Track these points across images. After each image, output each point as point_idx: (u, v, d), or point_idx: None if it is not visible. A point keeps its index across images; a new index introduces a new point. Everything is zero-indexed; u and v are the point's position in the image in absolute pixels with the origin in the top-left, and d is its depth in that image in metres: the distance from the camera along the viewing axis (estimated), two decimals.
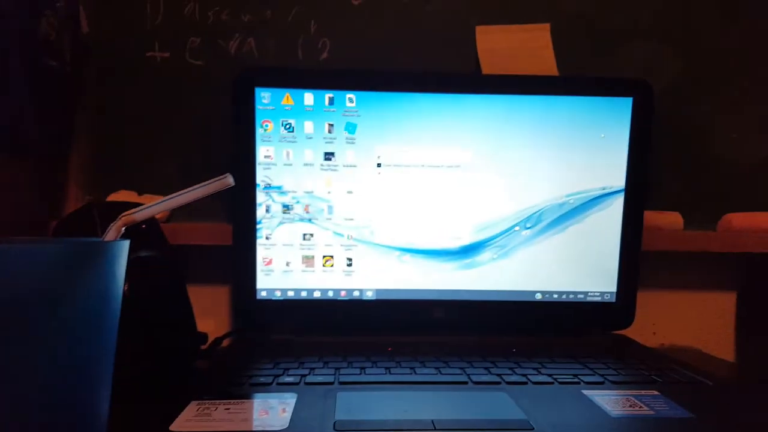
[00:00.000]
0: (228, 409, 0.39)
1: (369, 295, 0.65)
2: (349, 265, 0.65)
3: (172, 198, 0.32)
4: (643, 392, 0.44)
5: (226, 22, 0.72)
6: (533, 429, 0.36)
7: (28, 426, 0.27)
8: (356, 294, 0.66)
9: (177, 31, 0.71)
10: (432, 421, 0.37)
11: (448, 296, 0.65)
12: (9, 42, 0.55)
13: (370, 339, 0.62)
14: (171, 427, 0.35)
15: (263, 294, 0.65)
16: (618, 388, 0.46)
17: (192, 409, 0.38)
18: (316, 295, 0.65)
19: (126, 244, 0.31)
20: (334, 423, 0.37)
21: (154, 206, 0.31)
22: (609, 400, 0.42)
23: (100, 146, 0.72)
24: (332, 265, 0.65)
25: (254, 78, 0.64)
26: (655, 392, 0.44)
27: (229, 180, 0.32)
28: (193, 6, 0.71)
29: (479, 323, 0.66)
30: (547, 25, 0.71)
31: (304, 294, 0.65)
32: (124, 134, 0.72)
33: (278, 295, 0.65)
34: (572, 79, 0.66)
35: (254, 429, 0.35)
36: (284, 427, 0.36)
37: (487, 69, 0.70)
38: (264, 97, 0.64)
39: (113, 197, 0.69)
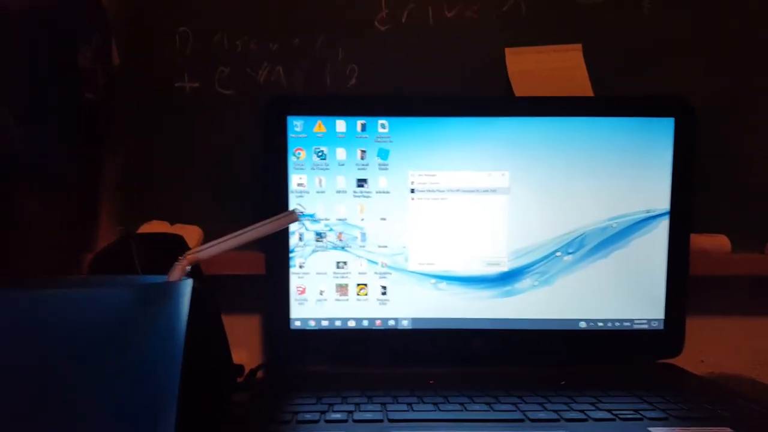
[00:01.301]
0: None
1: (405, 324, 0.64)
2: (384, 293, 0.63)
3: (237, 236, 0.30)
4: (715, 429, 0.42)
5: (255, 51, 0.71)
6: None
7: None
8: (391, 323, 0.64)
9: (206, 61, 0.70)
10: None
11: (488, 325, 0.63)
12: (50, 74, 0.54)
13: (407, 370, 0.60)
14: None
15: (297, 324, 0.63)
16: (685, 424, 0.43)
17: None
18: (351, 324, 0.64)
19: (189, 282, 0.30)
20: None
21: (219, 244, 0.30)
22: None
23: (130, 177, 0.71)
24: (366, 294, 0.63)
25: (286, 106, 0.63)
26: (729, 429, 0.42)
27: (295, 216, 0.31)
28: (221, 36, 0.71)
29: (520, 353, 0.63)
30: (579, 46, 0.70)
31: (338, 323, 0.64)
32: (155, 164, 0.71)
33: (312, 324, 0.63)
34: (611, 99, 0.64)
35: None
36: None
37: (518, 91, 0.69)
38: (296, 125, 0.63)
39: (145, 228, 0.67)
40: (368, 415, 0.45)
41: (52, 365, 0.24)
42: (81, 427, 0.25)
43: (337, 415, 0.45)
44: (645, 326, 0.63)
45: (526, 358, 0.63)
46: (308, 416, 0.44)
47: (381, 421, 0.44)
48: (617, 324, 0.63)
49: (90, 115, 0.64)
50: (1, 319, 0.24)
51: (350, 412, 0.46)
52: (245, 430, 0.40)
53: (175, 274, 0.29)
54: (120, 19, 0.69)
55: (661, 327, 0.63)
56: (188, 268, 0.30)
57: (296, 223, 0.63)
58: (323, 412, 0.46)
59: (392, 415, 0.45)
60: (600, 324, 0.63)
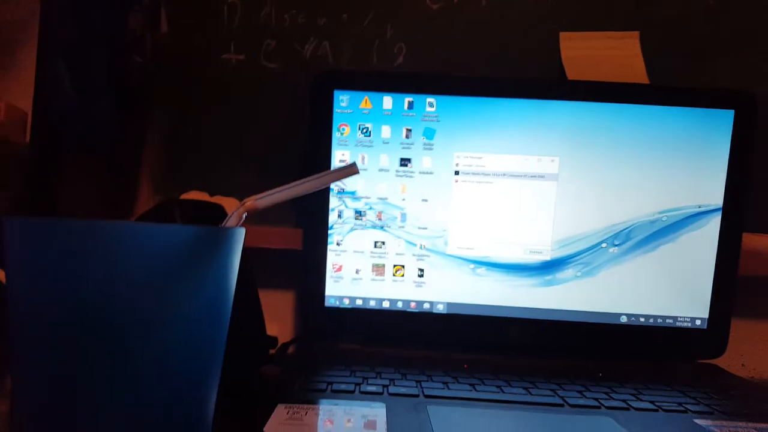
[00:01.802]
0: (317, 414, 0.36)
1: (440, 308, 0.63)
2: (421, 275, 0.62)
3: (296, 185, 0.29)
4: (764, 425, 0.40)
5: (302, 25, 0.70)
6: None
7: (146, 402, 0.25)
8: (426, 306, 0.63)
9: (253, 33, 0.70)
10: None
11: (525, 314, 0.62)
12: (102, 32, 0.54)
13: (440, 354, 0.59)
14: (265, 429, 0.33)
15: (331, 301, 0.63)
16: (731, 419, 0.41)
17: (281, 412, 0.36)
18: (385, 305, 0.63)
19: (243, 231, 0.29)
20: None
21: (278, 193, 0.29)
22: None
23: (172, 147, 0.71)
24: (403, 275, 0.62)
25: (333, 80, 0.62)
26: None
27: (355, 168, 0.30)
28: (269, 9, 0.70)
29: (557, 345, 0.62)
30: (636, 33, 0.68)
31: (372, 303, 0.63)
32: (197, 135, 0.71)
33: (346, 303, 0.63)
34: (669, 88, 0.62)
35: None
36: None
37: (572, 76, 0.67)
38: (342, 100, 0.62)
39: (185, 197, 0.67)
40: (403, 390, 0.44)
41: (116, 295, 0.24)
42: (140, 358, 0.24)
43: (373, 388, 0.44)
44: (688, 324, 0.61)
45: (563, 349, 0.62)
46: (343, 386, 0.44)
47: (417, 396, 0.43)
48: (659, 320, 0.61)
49: (137, 78, 0.64)
50: (69, 249, 0.24)
51: (385, 386, 0.45)
52: (280, 396, 0.40)
53: (232, 220, 0.29)
54: None
55: (705, 326, 0.61)
56: (244, 215, 0.29)
57: (336, 200, 0.62)
58: (358, 384, 0.45)
59: (428, 392, 0.44)
60: (642, 319, 0.61)
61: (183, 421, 0.27)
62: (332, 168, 0.30)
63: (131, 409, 0.25)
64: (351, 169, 0.30)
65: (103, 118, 0.58)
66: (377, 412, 0.37)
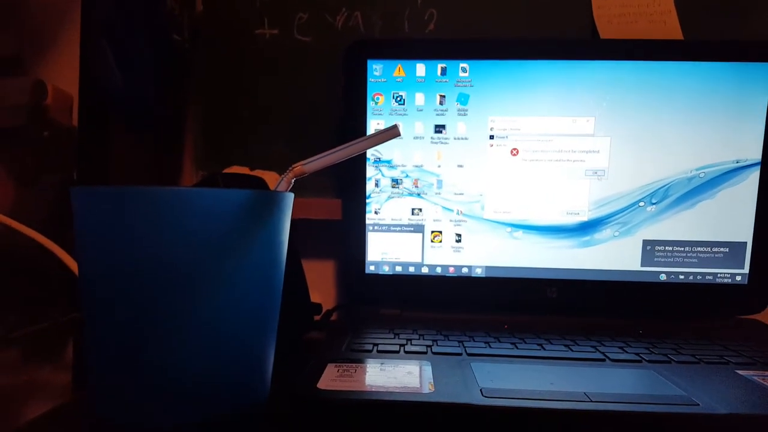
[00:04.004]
0: (366, 372, 0.38)
1: (478, 272, 0.64)
2: (458, 240, 0.63)
3: (342, 148, 0.31)
4: None
5: None
6: (698, 405, 0.34)
7: (208, 358, 0.27)
8: (465, 271, 0.64)
9: (285, 7, 0.71)
10: (585, 393, 0.35)
11: (564, 275, 0.62)
12: (142, 13, 0.56)
13: (479, 317, 0.60)
14: (319, 385, 0.35)
15: (371, 268, 0.64)
16: None
17: (331, 370, 0.38)
18: (424, 270, 0.64)
19: (292, 196, 0.31)
20: (481, 390, 0.35)
21: (324, 157, 0.31)
22: None
23: (212, 123, 0.73)
24: (441, 241, 0.64)
25: (366, 50, 0.63)
26: None
27: (397, 130, 0.31)
28: None
29: (596, 304, 0.62)
30: None
31: (411, 269, 0.64)
32: (235, 111, 0.72)
33: (386, 269, 0.64)
34: (704, 43, 0.61)
35: (403, 391, 0.34)
36: (431, 391, 0.34)
37: (605, 35, 0.67)
38: (376, 69, 0.63)
39: (227, 172, 0.69)
40: (447, 349, 0.45)
41: (178, 257, 0.26)
42: (202, 316, 0.26)
43: (416, 348, 0.45)
44: (728, 280, 0.61)
45: (602, 309, 0.62)
46: (388, 347, 0.45)
47: (459, 354, 0.44)
48: (699, 277, 0.61)
49: (176, 57, 0.66)
50: (133, 214, 0.25)
51: (429, 346, 0.46)
52: (329, 357, 0.41)
53: (282, 185, 0.30)
54: None
55: (745, 282, 0.61)
56: (293, 180, 0.31)
57: (373, 169, 0.63)
58: (402, 345, 0.46)
59: (471, 350, 0.45)
60: (681, 277, 0.61)
61: (244, 378, 0.28)
62: (378, 131, 0.31)
63: (196, 362, 0.27)
64: (393, 131, 0.31)
65: (147, 97, 0.60)
66: (424, 368, 0.39)
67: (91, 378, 0.28)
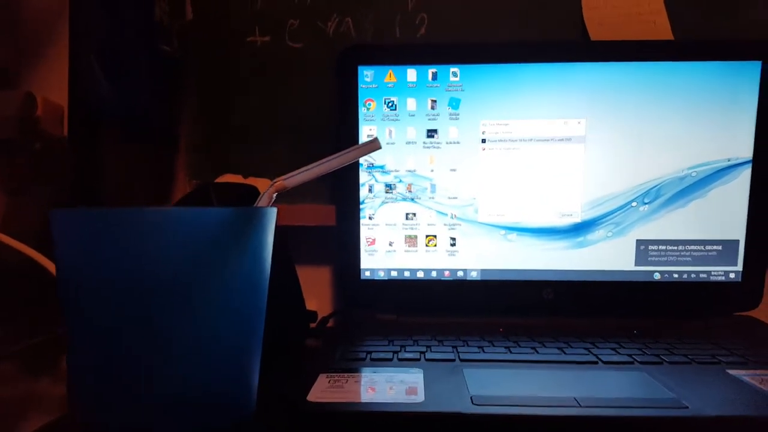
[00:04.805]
0: (357, 382, 0.38)
1: (473, 276, 0.64)
2: (453, 244, 0.64)
3: (322, 163, 0.31)
4: None
5: (324, 2, 0.71)
6: (687, 408, 0.34)
7: (193, 372, 0.27)
8: (460, 274, 0.64)
9: (276, 14, 0.71)
10: (575, 398, 0.35)
11: (559, 276, 0.63)
12: (131, 25, 0.56)
13: (476, 320, 0.60)
14: (308, 398, 0.35)
15: (367, 274, 0.65)
16: (766, 368, 0.42)
17: (323, 381, 0.38)
18: (420, 275, 0.64)
19: (275, 211, 0.31)
20: (471, 398, 0.35)
21: (305, 172, 0.31)
22: (762, 380, 0.39)
23: (204, 131, 0.73)
24: (435, 245, 0.64)
25: (357, 56, 0.63)
26: None
27: (377, 143, 0.31)
28: None
29: (591, 305, 0.63)
30: None
31: (407, 274, 0.64)
32: (227, 119, 0.72)
33: (381, 275, 0.64)
34: (693, 43, 0.61)
35: (393, 402, 0.34)
36: (421, 401, 0.34)
37: (595, 37, 0.67)
38: (367, 75, 0.63)
39: (219, 181, 0.70)
40: (439, 355, 0.45)
41: (160, 275, 0.26)
42: (185, 332, 0.26)
43: (410, 355, 0.46)
44: (722, 278, 0.61)
45: (597, 309, 0.62)
46: (381, 354, 0.46)
47: (453, 360, 0.44)
48: (693, 276, 0.61)
49: (166, 67, 0.66)
50: (114, 236, 0.26)
51: (422, 352, 0.47)
52: (322, 367, 0.42)
53: (263, 200, 0.31)
54: None
55: (739, 279, 0.61)
56: (274, 195, 0.31)
57: (366, 175, 0.64)
58: (396, 352, 0.47)
59: (464, 356, 0.45)
60: (675, 276, 0.62)
61: (230, 390, 0.29)
62: (358, 144, 0.32)
63: (179, 379, 0.27)
64: (373, 145, 0.31)
65: (137, 107, 0.60)
66: (415, 377, 0.39)
67: (76, 387, 0.28)
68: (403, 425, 0.33)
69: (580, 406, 0.34)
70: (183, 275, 0.26)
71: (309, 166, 0.31)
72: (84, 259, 0.26)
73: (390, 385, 0.37)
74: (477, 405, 0.34)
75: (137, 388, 0.27)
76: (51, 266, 0.50)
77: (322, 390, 0.36)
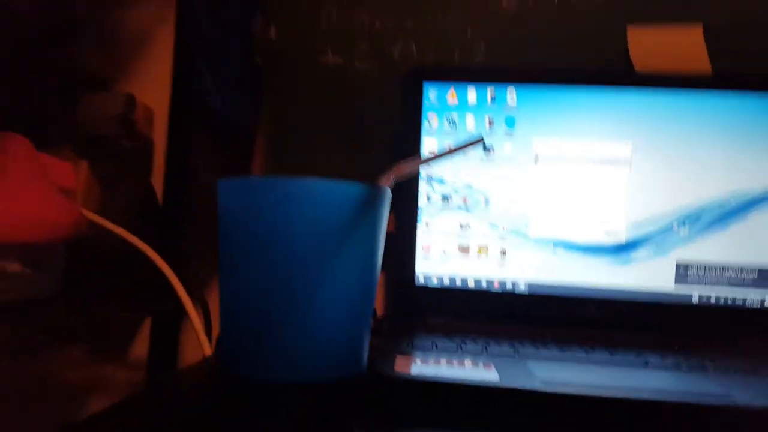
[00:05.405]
0: (434, 362, 0.42)
1: (521, 288, 0.67)
2: (503, 256, 0.67)
3: (434, 156, 0.36)
4: None
5: (391, 28, 0.77)
6: (735, 398, 0.37)
7: (325, 334, 0.31)
8: (509, 286, 0.68)
9: (348, 37, 0.77)
10: (632, 386, 0.39)
11: (602, 294, 0.66)
12: (235, 37, 0.62)
13: (523, 329, 0.64)
14: (396, 367, 0.39)
15: (421, 281, 0.68)
16: None
17: (401, 360, 0.42)
18: (470, 284, 0.68)
19: (389, 191, 0.36)
20: (540, 380, 0.39)
21: (419, 161, 0.35)
22: None
23: (276, 139, 0.79)
24: (486, 255, 0.68)
25: (423, 75, 0.68)
26: None
27: (483, 141, 0.36)
28: (362, 14, 0.77)
29: (632, 322, 0.66)
30: (700, 25, 0.72)
31: (458, 282, 0.68)
32: (299, 129, 0.78)
33: (435, 282, 0.68)
34: (734, 74, 0.65)
35: (476, 378, 0.38)
36: (497, 380, 0.39)
37: (639, 68, 0.72)
38: (430, 93, 0.68)
39: None
40: (501, 351, 0.49)
41: (305, 241, 0.31)
42: (318, 293, 0.31)
43: (473, 348, 0.50)
44: (758, 306, 0.64)
45: (637, 326, 0.65)
46: (447, 346, 0.50)
47: (513, 356, 0.48)
48: (730, 301, 0.65)
49: (257, 78, 0.72)
50: (267, 200, 0.31)
51: (484, 347, 0.51)
52: (394, 350, 0.46)
53: (384, 180, 0.35)
54: None
55: None
56: (393, 178, 0.36)
57: (425, 185, 0.68)
58: (460, 345, 0.51)
59: (523, 353, 0.49)
60: (713, 300, 0.65)
61: (349, 349, 0.33)
62: (465, 140, 0.36)
63: (313, 337, 0.31)
64: (478, 142, 0.36)
65: (237, 115, 0.66)
66: (486, 362, 0.43)
67: (225, 341, 0.33)
68: (485, 399, 0.37)
69: (637, 391, 0.38)
70: (324, 240, 0.31)
71: (422, 157, 0.36)
72: (243, 222, 0.31)
73: (464, 365, 0.42)
74: (547, 384, 0.38)
75: (279, 343, 0.31)
76: (143, 246, 0.55)
77: (404, 366, 0.40)
